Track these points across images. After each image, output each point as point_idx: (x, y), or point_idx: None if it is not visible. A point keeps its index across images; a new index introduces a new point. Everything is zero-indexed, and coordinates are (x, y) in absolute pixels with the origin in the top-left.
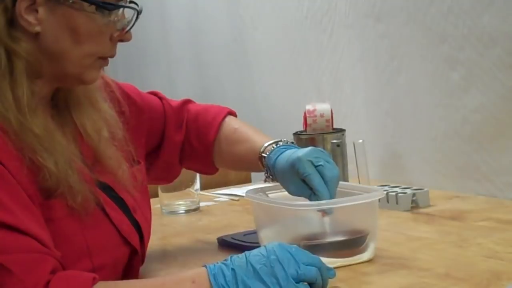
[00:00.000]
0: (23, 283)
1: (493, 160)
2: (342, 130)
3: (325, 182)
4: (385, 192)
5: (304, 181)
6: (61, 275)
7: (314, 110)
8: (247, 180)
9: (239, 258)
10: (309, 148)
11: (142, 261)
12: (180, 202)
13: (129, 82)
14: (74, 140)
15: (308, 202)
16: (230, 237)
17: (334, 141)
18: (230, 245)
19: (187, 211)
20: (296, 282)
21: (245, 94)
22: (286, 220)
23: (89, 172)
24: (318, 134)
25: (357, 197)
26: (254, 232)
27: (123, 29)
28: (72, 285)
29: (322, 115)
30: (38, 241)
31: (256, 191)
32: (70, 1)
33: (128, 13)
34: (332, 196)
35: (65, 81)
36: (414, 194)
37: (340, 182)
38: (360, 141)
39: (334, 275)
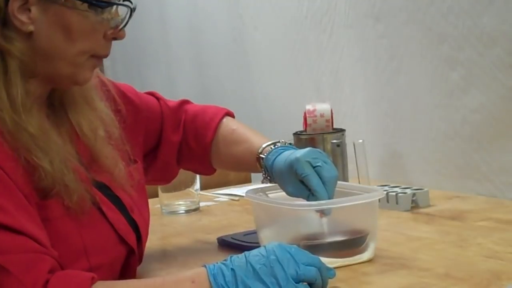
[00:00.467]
0: (21, 283)
1: (493, 160)
2: (342, 130)
3: (324, 183)
4: (385, 192)
5: (302, 182)
6: (60, 274)
7: (314, 110)
8: (247, 180)
9: (238, 258)
10: (307, 149)
11: (140, 261)
12: (180, 202)
13: (129, 82)
14: (70, 140)
15: (308, 202)
16: (230, 237)
17: (334, 141)
18: (230, 245)
19: (187, 211)
20: (296, 282)
21: (245, 94)
22: (286, 220)
23: (85, 171)
24: (318, 134)
25: (357, 197)
26: (254, 232)
27: (116, 27)
28: (71, 284)
29: (322, 115)
30: (35, 241)
31: (256, 191)
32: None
33: (122, 11)
34: (330, 196)
35: (59, 81)
36: (414, 194)
37: (340, 182)
38: (360, 141)
39: (334, 275)
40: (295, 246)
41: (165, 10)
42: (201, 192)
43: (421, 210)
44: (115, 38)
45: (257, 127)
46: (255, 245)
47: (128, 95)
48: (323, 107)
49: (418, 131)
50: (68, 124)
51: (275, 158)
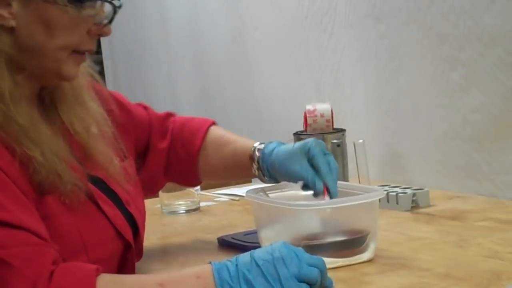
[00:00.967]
0: (25, 276)
1: (494, 160)
2: (342, 130)
3: (330, 170)
4: (385, 192)
5: (310, 163)
6: (65, 266)
7: (315, 110)
8: (247, 180)
9: (244, 256)
10: (312, 138)
11: (140, 255)
12: (181, 202)
13: (129, 82)
14: (63, 137)
15: (308, 202)
16: (230, 237)
17: (335, 141)
18: (230, 245)
19: (187, 211)
20: (298, 281)
21: (245, 93)
22: (287, 220)
23: (79, 166)
24: (318, 134)
25: (357, 197)
26: (254, 232)
27: (100, 23)
28: (77, 275)
29: (322, 115)
30: (35, 235)
31: (256, 191)
32: None
33: (108, 8)
34: (336, 182)
35: (45, 77)
36: (414, 194)
37: (340, 182)
38: (361, 141)
39: (332, 286)
40: (301, 247)
41: (165, 10)
42: (202, 192)
43: (422, 210)
44: (100, 35)
45: (257, 127)
46: (256, 245)
47: (119, 98)
48: (323, 107)
49: (419, 131)
50: (60, 122)
51: (274, 148)
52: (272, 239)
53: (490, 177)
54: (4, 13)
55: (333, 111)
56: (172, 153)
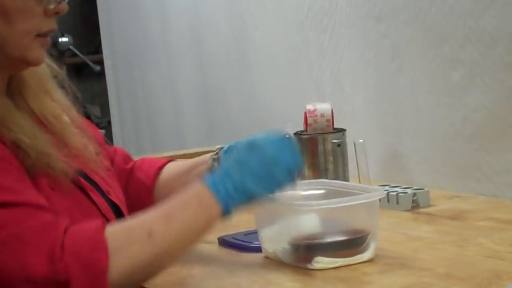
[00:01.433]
0: (39, 249)
1: (494, 160)
2: (342, 130)
3: None
4: (386, 192)
5: None
6: (72, 230)
7: (315, 110)
8: None
9: (232, 164)
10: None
11: None
12: None
13: (130, 83)
14: (39, 128)
15: (308, 202)
16: (231, 237)
17: (335, 141)
18: (231, 245)
19: None
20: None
21: (246, 93)
22: (287, 220)
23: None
24: (319, 134)
25: (358, 197)
26: (255, 232)
27: (59, 2)
28: (86, 236)
29: (322, 115)
30: (43, 209)
31: None
32: None
33: None
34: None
35: (13, 66)
36: (414, 194)
37: (341, 182)
38: (361, 140)
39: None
40: (275, 134)
41: (166, 10)
42: None
43: (422, 210)
44: (57, 13)
45: (258, 126)
46: (256, 245)
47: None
48: (323, 107)
49: (419, 131)
50: (33, 115)
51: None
52: (272, 238)
53: (490, 177)
54: None
55: (334, 111)
56: (132, 177)
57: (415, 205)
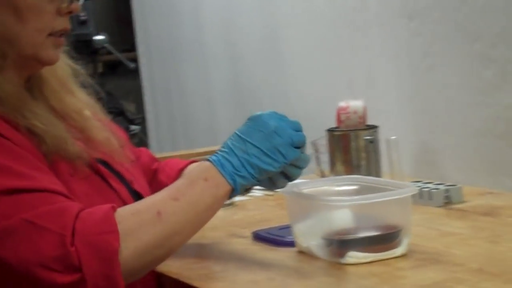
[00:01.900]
0: (51, 232)
1: None
2: (375, 127)
3: None
4: (418, 188)
5: None
6: (84, 213)
7: (347, 107)
8: None
9: (234, 141)
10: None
11: None
12: None
13: (165, 79)
14: (61, 123)
15: (341, 197)
16: (265, 231)
17: (367, 137)
18: (265, 239)
19: (222, 206)
20: (290, 145)
21: (278, 90)
22: (320, 215)
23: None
24: (351, 130)
25: (390, 193)
26: (288, 227)
27: (71, 2)
28: (97, 218)
29: (355, 112)
30: (57, 193)
31: (290, 186)
32: None
33: None
34: None
35: (28, 65)
36: (447, 190)
37: (373, 178)
38: (393, 137)
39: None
40: (274, 112)
41: (200, 7)
42: None
43: (454, 206)
44: (70, 12)
45: None
46: (290, 239)
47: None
48: (356, 104)
49: (452, 128)
50: (54, 112)
51: None
52: (306, 233)
53: None
54: None
55: (366, 108)
56: (155, 178)
57: (447, 201)
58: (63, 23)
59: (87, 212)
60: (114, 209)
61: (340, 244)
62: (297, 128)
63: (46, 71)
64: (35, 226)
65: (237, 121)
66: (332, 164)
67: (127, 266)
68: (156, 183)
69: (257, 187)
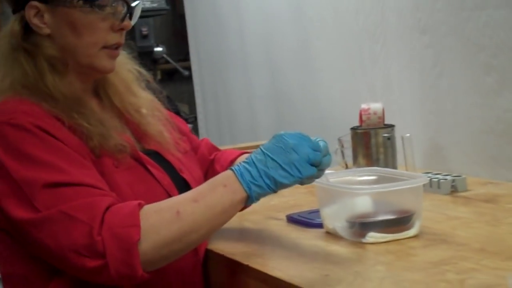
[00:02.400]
0: (83, 222)
1: None
2: (392, 126)
3: None
4: (429, 178)
5: None
6: (114, 207)
7: (368, 109)
8: None
9: (257, 154)
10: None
11: None
12: None
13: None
14: (119, 120)
15: (363, 186)
16: (297, 214)
17: (385, 135)
18: (297, 221)
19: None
20: (307, 163)
21: (309, 94)
22: (344, 201)
23: (133, 139)
24: (372, 129)
25: (405, 182)
26: (317, 211)
27: (122, 19)
28: (124, 212)
29: (375, 113)
30: (93, 187)
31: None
32: (63, 0)
33: (125, 6)
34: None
35: (86, 72)
36: (453, 180)
37: (390, 170)
38: (408, 135)
39: (330, 160)
40: (299, 132)
41: (243, 24)
42: None
43: (459, 194)
44: (122, 29)
45: (320, 122)
46: (318, 222)
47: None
48: (376, 106)
49: (458, 127)
50: (116, 109)
51: None
52: (333, 217)
53: None
54: (39, 23)
55: (384, 110)
56: (211, 167)
57: (453, 190)
58: (116, 38)
59: (117, 207)
60: (140, 206)
61: (361, 226)
62: (316, 148)
63: (111, 76)
64: (70, 217)
65: (274, 120)
66: (355, 157)
67: (146, 257)
68: (212, 172)
69: None
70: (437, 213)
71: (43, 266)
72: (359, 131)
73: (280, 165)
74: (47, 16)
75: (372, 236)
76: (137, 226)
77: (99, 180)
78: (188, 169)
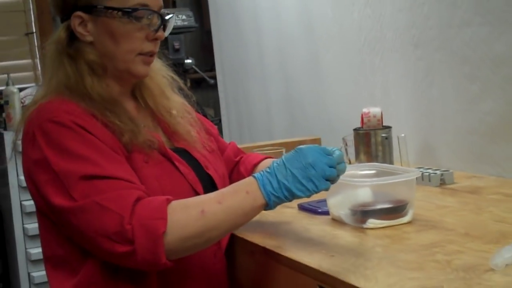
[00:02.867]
0: (114, 213)
1: (502, 151)
2: (389, 127)
3: None
4: (421, 172)
5: None
6: (144, 200)
7: (369, 112)
8: None
9: (279, 166)
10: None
11: None
12: None
13: (235, 92)
14: (152, 119)
15: (364, 179)
16: (307, 203)
17: (383, 135)
18: (307, 209)
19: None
20: (322, 178)
21: (318, 100)
22: (348, 192)
23: (164, 137)
24: (371, 130)
25: (400, 176)
26: (324, 200)
27: (156, 30)
28: (153, 206)
29: (374, 116)
30: (125, 180)
31: None
32: (104, 12)
33: (159, 18)
34: None
35: (123, 76)
36: (442, 174)
37: (387, 165)
38: (403, 135)
39: (345, 167)
40: (319, 148)
41: (261, 39)
42: None
43: (447, 186)
44: (156, 39)
45: (327, 124)
46: (325, 210)
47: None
48: (375, 110)
49: (446, 128)
50: (150, 110)
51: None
52: (338, 205)
53: (499, 162)
54: (83, 31)
55: (383, 113)
56: (236, 168)
57: (442, 183)
58: (151, 47)
59: (147, 200)
60: (168, 201)
61: (362, 213)
62: (332, 164)
63: (147, 80)
64: (102, 207)
65: (287, 122)
66: (357, 154)
67: (169, 247)
68: (237, 173)
69: None
70: (428, 203)
71: (79, 248)
72: (360, 131)
73: (299, 180)
74: (90, 25)
75: (372, 222)
76: (164, 219)
77: (130, 174)
78: (214, 166)
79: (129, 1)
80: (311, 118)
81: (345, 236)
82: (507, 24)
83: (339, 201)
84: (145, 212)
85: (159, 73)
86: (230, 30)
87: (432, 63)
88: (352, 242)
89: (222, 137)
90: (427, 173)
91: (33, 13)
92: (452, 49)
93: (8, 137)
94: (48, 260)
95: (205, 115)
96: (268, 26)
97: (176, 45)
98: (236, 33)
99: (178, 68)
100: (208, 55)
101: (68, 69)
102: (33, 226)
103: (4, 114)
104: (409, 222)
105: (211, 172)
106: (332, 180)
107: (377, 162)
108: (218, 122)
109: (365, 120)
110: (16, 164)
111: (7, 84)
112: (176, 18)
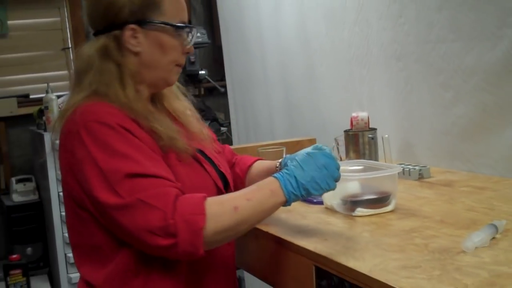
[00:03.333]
0: (157, 209)
1: (472, 148)
2: (374, 129)
3: None
4: (402, 168)
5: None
6: (183, 197)
7: (357, 116)
8: None
9: (296, 168)
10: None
11: None
12: None
13: (241, 99)
14: (171, 121)
15: (353, 174)
16: None
17: (370, 136)
18: (304, 199)
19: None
20: (332, 178)
21: (314, 106)
22: (339, 184)
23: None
24: (359, 131)
25: (384, 171)
26: None
27: (189, 45)
28: (192, 202)
29: (362, 119)
30: (164, 179)
31: None
32: (156, 26)
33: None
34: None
35: (157, 84)
36: (420, 170)
37: (373, 162)
38: (386, 136)
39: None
40: (329, 153)
41: (264, 54)
42: None
43: (425, 180)
44: (187, 53)
45: (321, 126)
46: (320, 200)
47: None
48: (363, 114)
49: (424, 130)
50: (166, 111)
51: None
52: (330, 196)
53: (469, 159)
54: (134, 42)
55: (369, 117)
56: (232, 169)
57: (420, 177)
58: (183, 59)
59: (187, 197)
60: (205, 198)
61: (352, 203)
62: (338, 167)
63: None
64: (145, 204)
65: (287, 125)
66: (347, 152)
67: (207, 239)
68: (233, 173)
69: None
70: (408, 194)
71: (114, 238)
72: (350, 133)
73: (315, 180)
74: (141, 37)
75: (360, 211)
76: (204, 214)
77: (168, 172)
78: (223, 165)
79: (176, 18)
80: (307, 121)
81: (337, 223)
82: (476, 41)
83: (331, 192)
84: (186, 208)
85: None
86: (238, 45)
87: (411, 73)
88: (343, 228)
89: (231, 138)
90: (408, 169)
91: (69, 31)
92: (429, 62)
93: (47, 137)
94: (77, 247)
95: (216, 119)
96: (271, 42)
97: (192, 58)
98: (243, 48)
99: (193, 79)
100: (219, 67)
101: (110, 77)
102: None
103: (44, 118)
104: (392, 211)
105: (223, 170)
106: (337, 180)
107: (364, 159)
108: (228, 125)
109: (354, 123)
110: (54, 159)
111: (47, 92)
112: None
